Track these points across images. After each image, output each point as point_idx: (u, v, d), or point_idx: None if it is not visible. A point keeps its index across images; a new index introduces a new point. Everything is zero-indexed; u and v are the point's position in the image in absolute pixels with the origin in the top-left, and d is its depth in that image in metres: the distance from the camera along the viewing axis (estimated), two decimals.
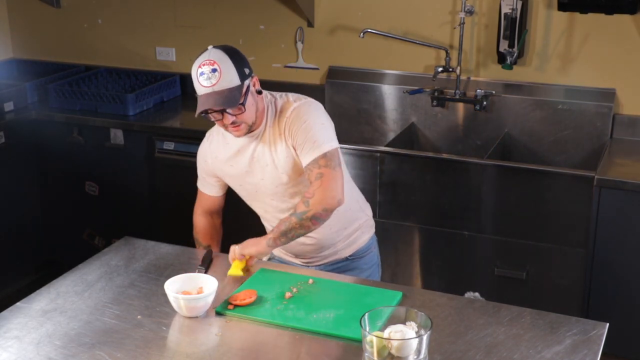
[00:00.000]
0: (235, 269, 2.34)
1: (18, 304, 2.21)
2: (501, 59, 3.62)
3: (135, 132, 3.83)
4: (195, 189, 3.78)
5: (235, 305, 2.15)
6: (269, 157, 2.42)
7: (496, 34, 3.61)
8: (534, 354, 1.94)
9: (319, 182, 2.32)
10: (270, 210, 2.54)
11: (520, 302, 2.35)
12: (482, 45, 3.71)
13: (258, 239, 2.37)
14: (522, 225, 3.28)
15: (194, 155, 3.69)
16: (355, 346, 1.97)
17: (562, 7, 3.43)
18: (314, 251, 2.58)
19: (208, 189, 2.64)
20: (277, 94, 2.48)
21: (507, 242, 3.31)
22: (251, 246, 2.35)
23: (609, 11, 3.37)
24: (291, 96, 2.46)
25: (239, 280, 2.31)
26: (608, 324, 2.08)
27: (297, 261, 2.64)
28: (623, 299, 3.16)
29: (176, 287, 2.15)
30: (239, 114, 2.31)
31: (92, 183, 4.01)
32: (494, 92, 3.69)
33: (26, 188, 4.07)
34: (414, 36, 3.78)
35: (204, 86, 2.27)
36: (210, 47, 2.33)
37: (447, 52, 3.70)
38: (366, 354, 1.82)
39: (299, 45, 4.06)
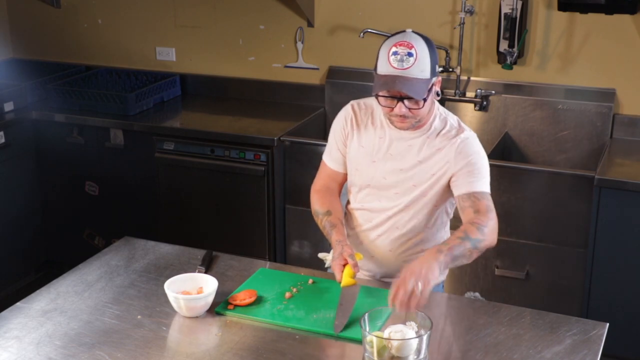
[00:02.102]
0: (348, 278, 2.15)
1: (18, 304, 2.21)
2: (501, 59, 3.62)
3: (135, 132, 3.83)
4: (195, 189, 3.80)
5: (235, 305, 2.15)
6: (408, 162, 2.27)
7: (496, 34, 3.61)
8: (534, 354, 1.94)
9: (491, 215, 2.20)
10: (365, 212, 2.38)
11: (520, 302, 2.35)
12: (482, 45, 3.71)
13: (425, 264, 2.02)
14: (522, 225, 3.28)
15: (194, 155, 3.73)
16: (355, 346, 1.97)
17: (562, 7, 3.43)
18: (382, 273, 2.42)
19: (333, 161, 2.43)
20: (445, 111, 2.34)
21: (507, 242, 3.31)
22: (427, 277, 1.99)
23: (609, 11, 3.37)
24: (459, 120, 2.33)
25: (239, 280, 2.31)
26: (608, 324, 2.08)
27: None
28: (623, 299, 3.16)
29: (176, 287, 2.15)
30: (415, 108, 2.17)
31: (92, 183, 4.01)
32: (494, 92, 3.70)
33: (26, 188, 4.07)
34: None
35: (394, 67, 2.11)
36: (409, 30, 2.17)
37: (447, 52, 3.70)
38: (366, 354, 1.82)
39: (299, 45, 4.06)
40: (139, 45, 4.44)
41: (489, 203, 2.23)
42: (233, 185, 3.68)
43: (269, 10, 4.07)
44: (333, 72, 4.02)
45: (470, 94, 3.74)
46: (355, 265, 2.17)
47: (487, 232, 2.17)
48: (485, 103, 3.70)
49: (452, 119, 2.32)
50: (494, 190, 3.26)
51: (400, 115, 2.18)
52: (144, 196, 3.91)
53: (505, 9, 3.52)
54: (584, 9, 3.40)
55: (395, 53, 2.12)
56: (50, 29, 4.61)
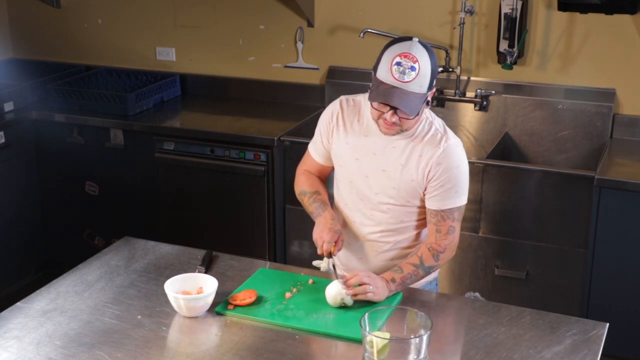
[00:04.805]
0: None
1: (18, 304, 2.21)
2: (501, 59, 3.62)
3: (135, 132, 3.83)
4: (195, 189, 3.80)
5: (235, 305, 2.15)
6: (391, 164, 2.28)
7: (496, 34, 3.61)
8: (534, 354, 1.94)
9: (451, 237, 2.26)
10: (347, 209, 2.41)
11: (520, 302, 2.35)
12: (482, 45, 3.71)
13: (379, 281, 2.17)
14: (522, 225, 3.28)
15: (194, 155, 3.73)
16: (355, 346, 1.97)
17: (562, 7, 3.43)
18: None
19: (317, 153, 2.47)
20: (431, 114, 2.33)
21: (507, 242, 3.31)
22: (376, 296, 2.15)
23: (609, 11, 3.37)
24: (444, 125, 2.32)
25: (239, 280, 2.31)
26: (608, 324, 2.08)
27: None
28: (623, 299, 3.16)
29: (176, 287, 2.15)
30: (406, 119, 2.17)
31: (92, 183, 4.01)
32: (494, 92, 3.69)
33: (26, 188, 4.07)
34: (414, 36, 3.77)
35: (395, 77, 2.10)
36: (416, 39, 2.15)
37: (447, 52, 3.70)
38: (366, 354, 1.82)
39: (299, 45, 4.06)
40: (139, 45, 4.44)
41: (453, 223, 2.27)
42: (233, 185, 3.68)
43: (269, 10, 4.07)
44: (333, 72, 4.02)
45: (470, 94, 3.74)
46: (338, 249, 2.30)
47: (442, 257, 2.27)
48: (485, 103, 3.70)
49: (437, 122, 2.31)
50: (494, 190, 3.28)
51: (390, 123, 2.18)
52: (144, 196, 3.91)
53: (505, 9, 3.52)
54: (584, 9, 3.40)
55: (398, 64, 2.10)
56: (50, 29, 4.61)
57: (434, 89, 2.21)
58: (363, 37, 3.73)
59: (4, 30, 4.69)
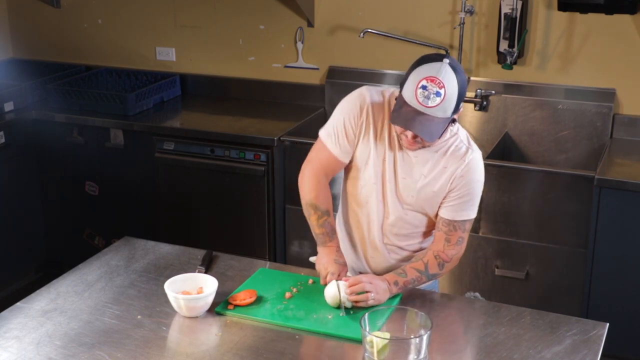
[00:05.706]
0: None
1: (18, 304, 2.21)
2: (501, 59, 3.62)
3: (135, 132, 3.83)
4: (195, 189, 3.80)
5: (235, 305, 2.15)
6: (413, 173, 2.24)
7: (496, 34, 3.61)
8: (534, 354, 1.94)
9: (459, 248, 2.26)
10: (362, 208, 2.33)
11: (520, 302, 2.35)
12: (482, 45, 3.71)
13: (381, 284, 2.17)
14: (522, 225, 3.28)
15: (194, 155, 3.73)
16: (355, 346, 1.97)
17: (562, 7, 3.43)
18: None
19: (337, 147, 2.28)
20: (457, 125, 2.27)
21: (507, 242, 3.31)
22: (376, 298, 2.15)
23: (609, 11, 3.37)
24: (468, 136, 2.28)
25: (239, 280, 2.31)
26: (608, 324, 2.08)
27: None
28: (623, 299, 3.16)
29: (176, 287, 2.15)
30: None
31: (92, 183, 4.01)
32: (494, 92, 3.69)
33: (26, 188, 4.07)
34: (414, 36, 3.78)
35: (419, 102, 2.04)
36: (447, 61, 2.06)
37: (447, 52, 3.70)
38: (366, 354, 1.82)
39: (299, 45, 4.06)
40: (139, 45, 4.44)
41: (463, 234, 2.26)
42: (233, 185, 3.68)
43: (269, 10, 4.07)
44: (333, 72, 4.02)
45: (470, 94, 3.73)
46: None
47: (447, 266, 2.26)
48: (485, 103, 3.70)
49: (462, 134, 2.27)
50: (494, 190, 3.28)
51: (412, 140, 2.14)
52: (144, 196, 3.91)
53: (505, 9, 3.52)
54: (584, 9, 3.40)
55: (423, 87, 2.04)
56: (50, 29, 4.61)
57: (461, 110, 2.15)
58: (363, 37, 3.73)
59: (4, 30, 4.69)
